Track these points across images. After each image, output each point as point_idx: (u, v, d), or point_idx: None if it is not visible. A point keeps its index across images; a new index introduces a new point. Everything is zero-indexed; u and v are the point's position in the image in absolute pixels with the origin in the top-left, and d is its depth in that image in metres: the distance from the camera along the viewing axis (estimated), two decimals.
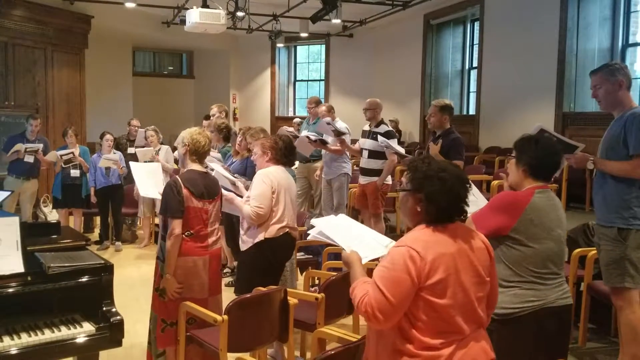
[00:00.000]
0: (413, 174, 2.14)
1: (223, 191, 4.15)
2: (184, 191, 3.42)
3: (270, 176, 3.88)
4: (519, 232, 2.63)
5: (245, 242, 3.96)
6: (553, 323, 2.67)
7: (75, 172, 7.13)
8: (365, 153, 6.14)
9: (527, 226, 2.63)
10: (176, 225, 3.39)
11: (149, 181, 4.00)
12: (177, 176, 3.55)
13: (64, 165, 7.09)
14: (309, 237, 2.63)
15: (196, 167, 3.61)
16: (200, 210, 3.49)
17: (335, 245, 2.54)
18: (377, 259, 2.52)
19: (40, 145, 7.02)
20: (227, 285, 5.78)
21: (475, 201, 3.34)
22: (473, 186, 3.57)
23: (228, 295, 4.43)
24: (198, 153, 3.62)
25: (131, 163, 5.58)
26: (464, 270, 2.04)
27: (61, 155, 7.04)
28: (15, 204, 7.05)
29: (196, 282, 3.49)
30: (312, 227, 2.73)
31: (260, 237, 3.84)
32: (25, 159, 6.93)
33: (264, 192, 3.81)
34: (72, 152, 7.06)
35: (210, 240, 3.56)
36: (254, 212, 3.78)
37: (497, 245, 2.69)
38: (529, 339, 2.65)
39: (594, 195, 3.56)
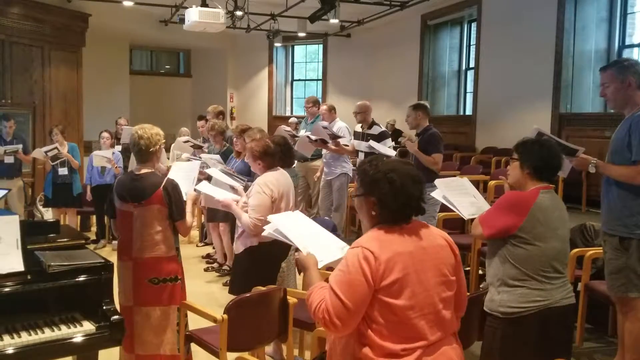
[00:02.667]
0: (362, 178, 2.08)
1: (219, 197, 3.98)
2: (114, 192, 3.46)
3: (270, 185, 3.74)
4: (525, 231, 2.66)
5: (238, 246, 3.92)
6: (557, 323, 2.69)
7: (63, 171, 7.05)
8: (361, 155, 6.17)
9: (533, 225, 2.66)
10: (113, 223, 3.58)
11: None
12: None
13: (51, 163, 7.04)
14: (263, 234, 2.52)
15: (138, 168, 3.47)
16: (124, 214, 3.39)
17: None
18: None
19: (20, 146, 6.99)
20: (225, 284, 5.80)
21: (476, 202, 3.36)
22: (473, 187, 3.61)
23: (226, 295, 4.42)
24: (134, 152, 3.50)
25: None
26: (424, 269, 1.97)
27: (46, 152, 6.97)
28: (4, 204, 7.01)
29: (121, 287, 3.40)
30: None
31: (254, 242, 3.77)
32: (5, 160, 6.91)
33: (264, 203, 3.67)
34: (57, 147, 6.98)
35: (135, 246, 3.34)
36: (253, 223, 3.64)
37: (503, 245, 2.72)
38: (533, 338, 2.66)
39: (601, 200, 3.44)
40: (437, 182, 3.56)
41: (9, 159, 6.92)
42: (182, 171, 3.92)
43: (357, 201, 2.13)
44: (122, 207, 3.39)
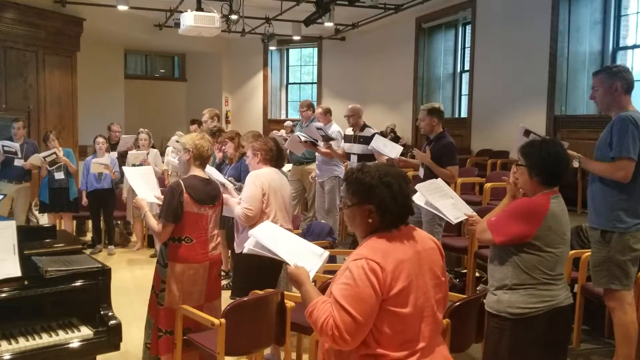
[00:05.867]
0: (355, 187, 2.04)
1: None
2: (185, 196, 3.41)
3: (262, 178, 3.88)
4: (538, 239, 2.66)
5: (239, 245, 3.95)
6: (560, 322, 2.73)
7: (59, 175, 7.05)
8: (354, 157, 6.22)
9: (546, 233, 2.67)
10: (167, 229, 3.42)
11: (144, 185, 3.96)
12: (180, 180, 3.51)
13: (49, 168, 7.03)
14: (244, 251, 2.37)
15: (198, 172, 3.60)
16: (200, 216, 3.48)
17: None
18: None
19: (55, 150, 6.96)
20: (223, 288, 5.78)
21: (456, 203, 3.36)
22: (448, 187, 3.62)
23: (225, 298, 4.42)
24: (202, 158, 3.61)
25: (125, 168, 5.15)
26: (422, 273, 1.99)
27: (44, 157, 6.96)
28: (9, 209, 7.00)
29: (195, 289, 3.50)
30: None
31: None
32: (15, 163, 6.90)
33: (254, 194, 3.81)
34: (55, 152, 6.97)
35: (211, 246, 3.57)
36: (243, 213, 3.80)
37: (515, 251, 2.70)
38: (540, 337, 2.68)
39: (587, 197, 3.65)
40: (418, 186, 3.49)
41: (19, 162, 6.91)
42: (140, 176, 4.01)
43: (349, 212, 2.07)
44: (199, 211, 3.48)
